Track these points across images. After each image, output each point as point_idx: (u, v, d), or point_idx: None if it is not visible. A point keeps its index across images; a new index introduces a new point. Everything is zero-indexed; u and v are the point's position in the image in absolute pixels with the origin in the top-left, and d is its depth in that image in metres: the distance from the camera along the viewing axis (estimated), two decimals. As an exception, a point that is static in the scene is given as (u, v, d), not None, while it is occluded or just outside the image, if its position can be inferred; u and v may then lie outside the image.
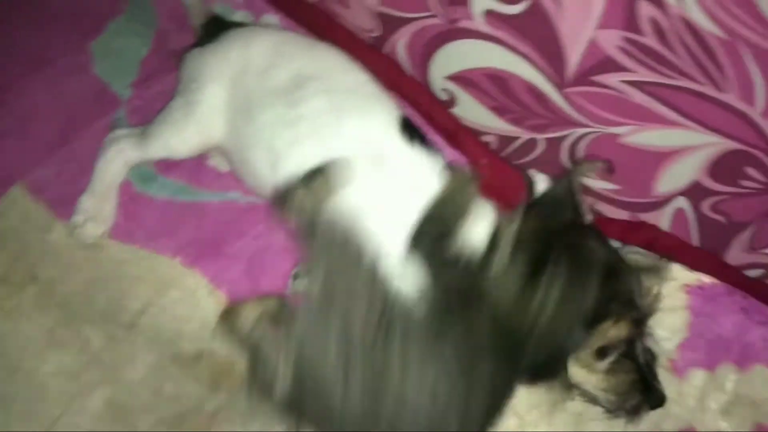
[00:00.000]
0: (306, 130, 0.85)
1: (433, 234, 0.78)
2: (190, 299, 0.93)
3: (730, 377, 0.91)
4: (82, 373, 0.87)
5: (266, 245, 0.97)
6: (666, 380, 0.90)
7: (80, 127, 1.06)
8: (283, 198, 0.78)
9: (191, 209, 1.00)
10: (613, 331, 0.75)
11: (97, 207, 0.97)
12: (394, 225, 0.79)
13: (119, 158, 0.99)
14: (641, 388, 0.77)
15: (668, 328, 0.93)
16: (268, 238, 0.98)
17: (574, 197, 0.85)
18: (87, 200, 0.97)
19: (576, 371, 0.78)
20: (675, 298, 0.94)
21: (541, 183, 0.94)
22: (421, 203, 0.79)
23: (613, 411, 0.79)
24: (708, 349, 0.92)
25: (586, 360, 0.77)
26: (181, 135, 0.96)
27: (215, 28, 1.02)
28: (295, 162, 0.84)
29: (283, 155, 0.86)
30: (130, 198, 1.00)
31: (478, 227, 0.80)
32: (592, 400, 0.80)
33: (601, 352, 0.76)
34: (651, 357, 0.80)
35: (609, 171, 0.91)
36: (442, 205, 0.80)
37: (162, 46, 1.17)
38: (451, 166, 0.86)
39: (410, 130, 0.87)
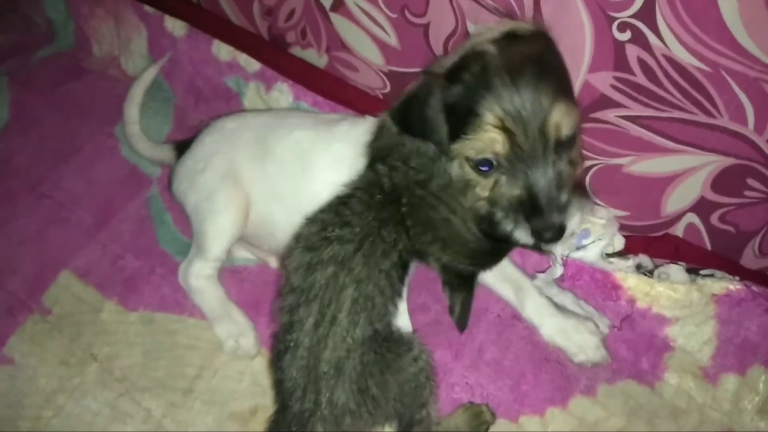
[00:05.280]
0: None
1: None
2: (239, 359, 0.98)
3: (761, 378, 0.93)
4: (148, 443, 0.92)
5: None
6: (700, 388, 0.94)
7: (117, 209, 1.13)
8: None
9: (231, 275, 1.05)
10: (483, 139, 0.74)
11: (233, 326, 0.99)
12: None
13: (201, 281, 1.01)
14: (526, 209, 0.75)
15: (698, 340, 0.96)
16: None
17: None
18: (220, 329, 0.99)
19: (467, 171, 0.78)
20: (704, 311, 0.96)
21: None
22: None
23: (501, 221, 0.78)
24: (737, 354, 0.95)
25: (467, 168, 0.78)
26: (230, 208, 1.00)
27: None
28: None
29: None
30: (171, 270, 1.05)
31: None
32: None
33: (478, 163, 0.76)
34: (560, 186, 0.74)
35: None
36: None
37: (183, 122, 1.24)
38: None
39: None
